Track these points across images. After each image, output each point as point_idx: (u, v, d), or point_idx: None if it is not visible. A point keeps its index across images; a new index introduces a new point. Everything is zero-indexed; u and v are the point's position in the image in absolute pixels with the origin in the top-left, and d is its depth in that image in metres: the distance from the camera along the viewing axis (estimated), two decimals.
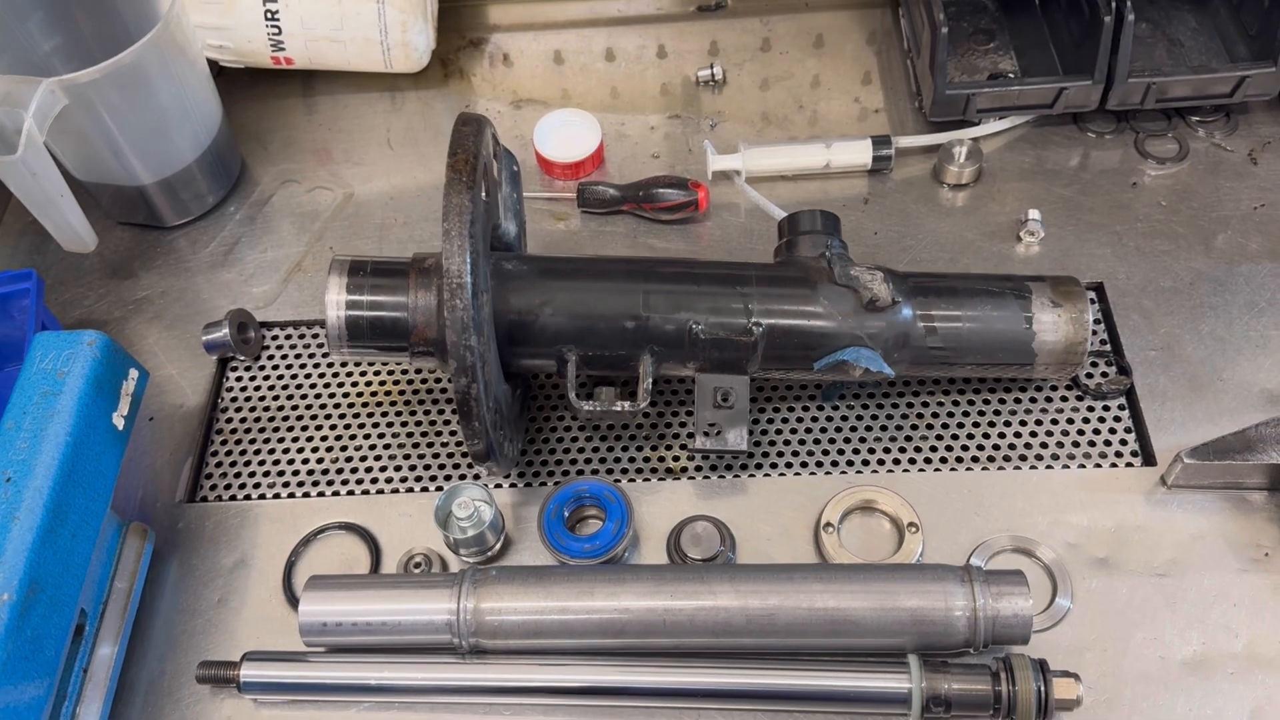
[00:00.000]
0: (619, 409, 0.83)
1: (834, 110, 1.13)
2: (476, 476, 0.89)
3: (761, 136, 1.11)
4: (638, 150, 1.11)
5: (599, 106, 1.14)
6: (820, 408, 0.91)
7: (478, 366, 0.72)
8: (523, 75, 1.19)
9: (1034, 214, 0.97)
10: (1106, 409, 0.89)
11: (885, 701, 0.73)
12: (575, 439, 0.91)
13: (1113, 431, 0.88)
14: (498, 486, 0.89)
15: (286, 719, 0.78)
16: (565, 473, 0.90)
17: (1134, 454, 0.87)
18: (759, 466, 0.88)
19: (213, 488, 0.91)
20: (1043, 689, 0.71)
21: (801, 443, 0.90)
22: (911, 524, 0.82)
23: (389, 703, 0.78)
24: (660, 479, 0.89)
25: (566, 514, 0.83)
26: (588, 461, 0.90)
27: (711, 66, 1.15)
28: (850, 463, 0.88)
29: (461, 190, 0.72)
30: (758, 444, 0.90)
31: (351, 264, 0.82)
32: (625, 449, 0.91)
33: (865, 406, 0.91)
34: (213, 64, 1.13)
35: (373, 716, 0.78)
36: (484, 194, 0.78)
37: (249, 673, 0.77)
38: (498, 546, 0.83)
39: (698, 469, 0.89)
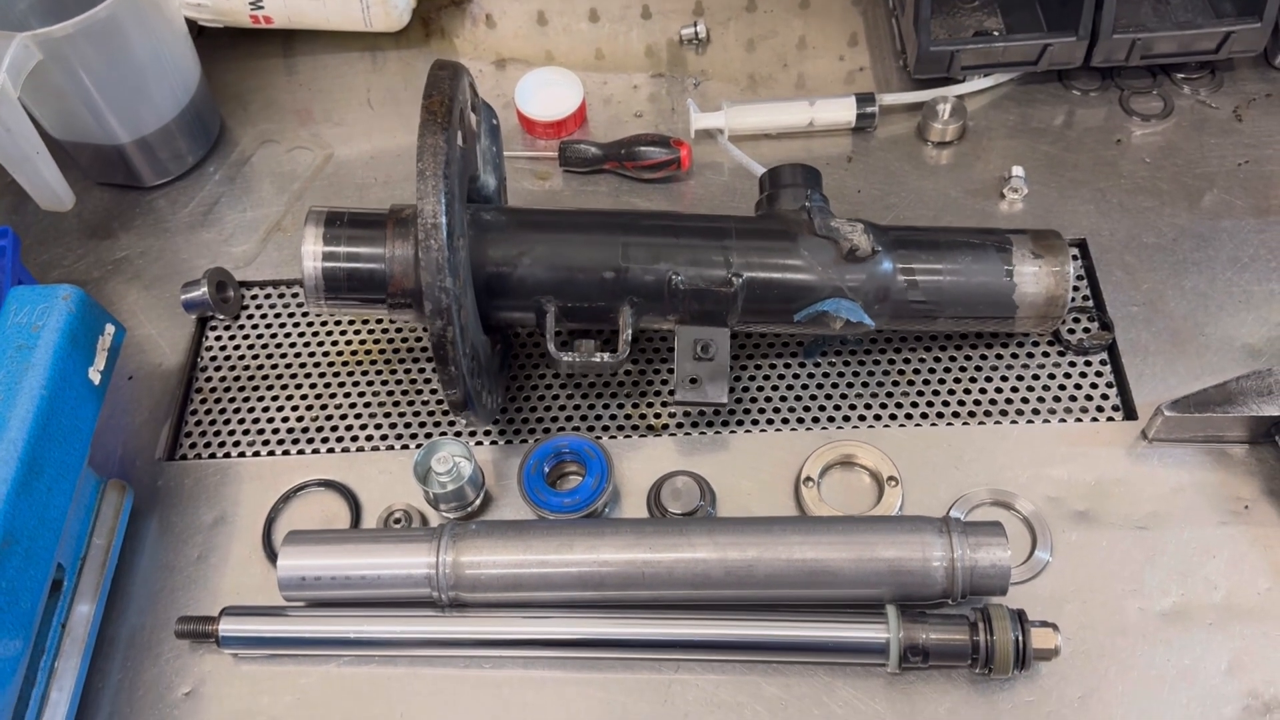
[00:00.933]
0: (598, 360, 0.83)
1: (819, 69, 1.12)
2: (458, 434, 0.89)
3: (746, 96, 1.10)
4: (621, 109, 1.10)
5: (583, 66, 1.13)
6: (801, 364, 0.91)
7: (453, 309, 0.71)
8: (505, 35, 1.18)
9: (1018, 171, 0.97)
10: (1088, 364, 0.89)
11: (864, 651, 0.73)
12: (556, 396, 0.91)
13: (1094, 386, 0.88)
14: (478, 443, 0.88)
15: (266, 673, 0.78)
16: (546, 429, 0.89)
17: (1115, 408, 0.86)
18: (740, 422, 0.88)
19: (192, 446, 0.91)
20: (1020, 639, 0.71)
21: (783, 399, 0.89)
22: (891, 478, 0.82)
23: (368, 656, 0.78)
24: (641, 435, 0.88)
25: (547, 469, 0.83)
26: (569, 418, 0.90)
27: (695, 25, 1.14)
28: (831, 418, 0.88)
29: (436, 131, 0.72)
30: (739, 400, 0.89)
31: (328, 215, 0.81)
32: (606, 406, 0.90)
33: (846, 363, 0.91)
34: (192, 24, 1.12)
35: (352, 670, 0.78)
36: (461, 141, 0.77)
37: (228, 627, 0.77)
38: (478, 502, 0.83)
39: (679, 425, 0.89)
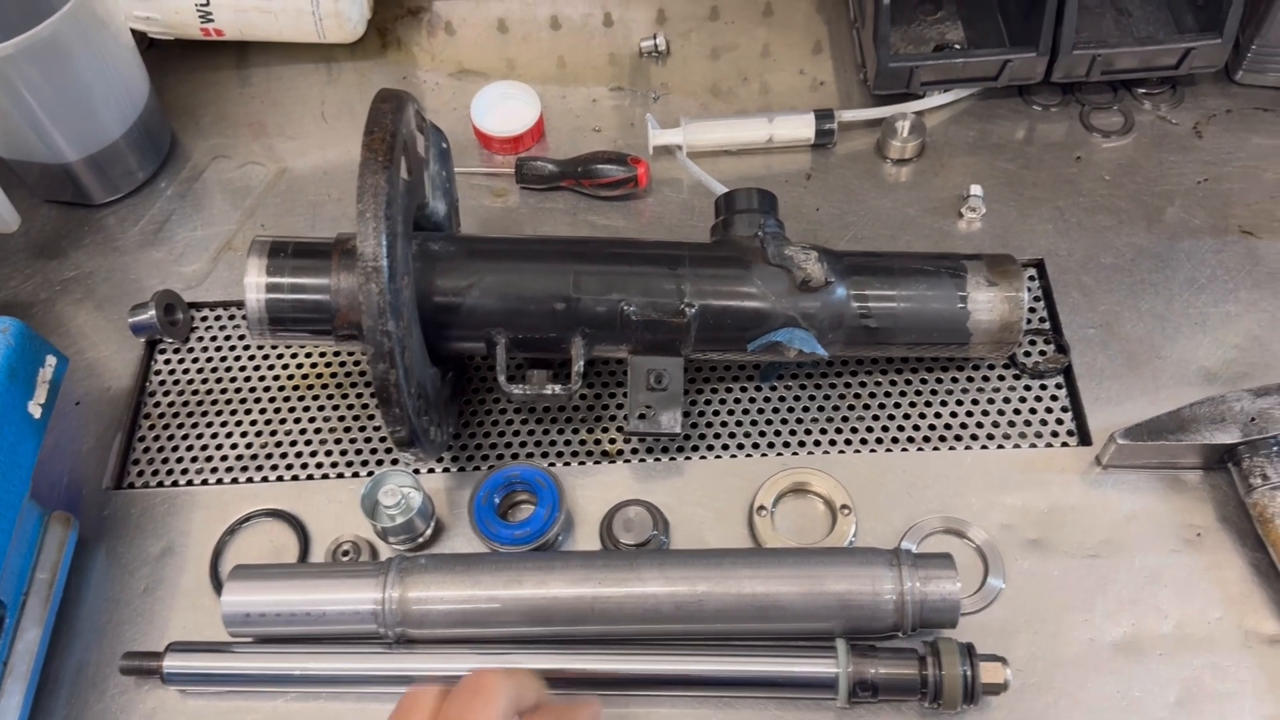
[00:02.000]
0: (549, 392, 0.82)
1: (782, 82, 1.11)
2: (406, 462, 0.88)
3: (708, 109, 1.09)
4: (581, 124, 1.08)
5: (544, 78, 1.12)
6: (759, 388, 0.90)
7: (396, 352, 0.70)
8: (464, 45, 1.16)
9: (975, 190, 0.96)
10: (1044, 388, 0.88)
11: (812, 686, 0.73)
12: (510, 422, 0.90)
13: (1049, 410, 0.87)
14: (430, 471, 0.87)
15: (213, 709, 0.77)
16: (500, 456, 0.88)
17: (1070, 433, 0.86)
18: (695, 449, 0.87)
19: (140, 474, 0.89)
20: (969, 673, 0.71)
21: (739, 424, 0.89)
22: (844, 506, 0.82)
23: (316, 693, 0.77)
24: (596, 462, 0.87)
25: (497, 500, 0.82)
26: (522, 445, 0.89)
27: (655, 37, 1.12)
28: (787, 444, 0.87)
29: (377, 170, 0.70)
30: (694, 426, 0.88)
31: (272, 245, 0.80)
32: (561, 431, 0.89)
33: (803, 387, 0.90)
34: (143, 36, 1.10)
35: (300, 706, 0.77)
36: (406, 173, 0.76)
37: (173, 664, 0.76)
38: (429, 532, 0.82)
39: (634, 451, 0.88)
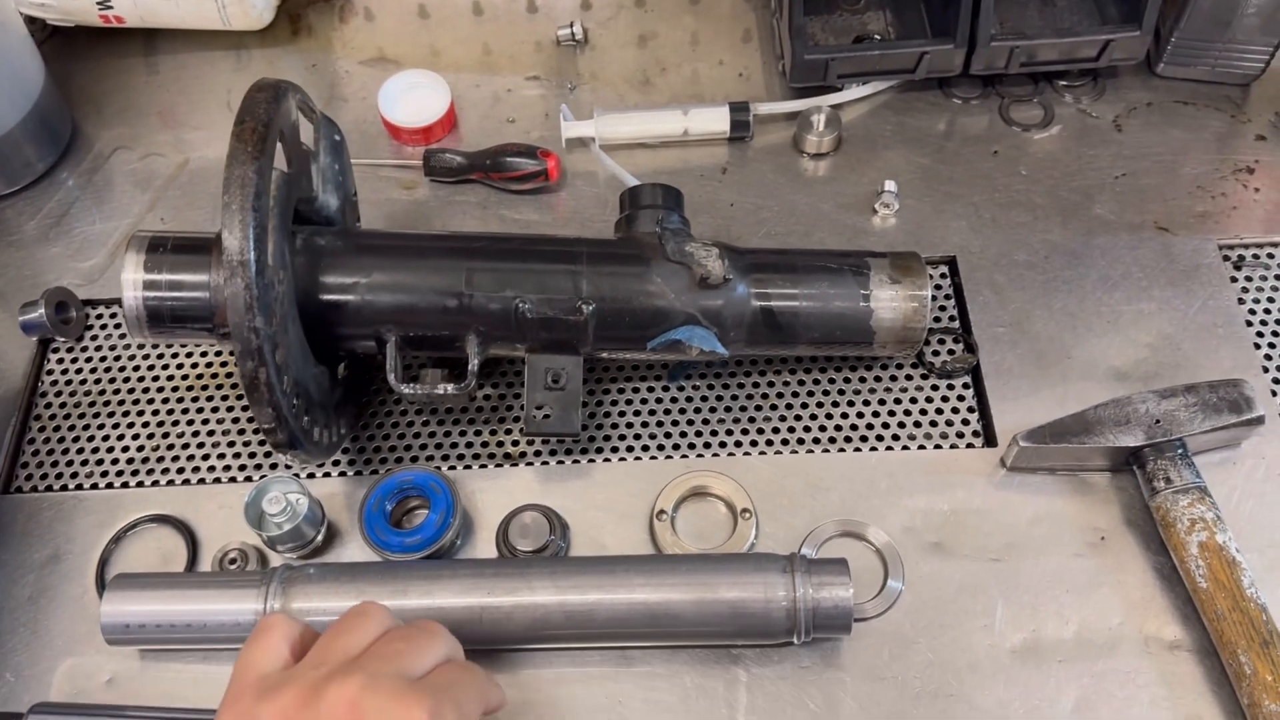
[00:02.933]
0: (442, 392, 0.79)
1: (706, 73, 1.08)
2: (288, 466, 0.85)
3: (628, 100, 1.06)
4: (497, 114, 1.06)
5: (466, 66, 1.09)
6: (665, 388, 0.88)
7: (266, 349, 0.68)
8: (382, 32, 1.13)
9: (890, 185, 0.94)
10: (951, 388, 0.87)
11: None
12: (411, 424, 0.88)
13: (955, 411, 0.86)
14: (326, 475, 0.85)
15: None
16: (399, 459, 0.86)
17: (976, 434, 0.85)
18: (599, 450, 0.85)
19: (29, 477, 0.86)
20: None
21: (644, 425, 0.87)
22: (745, 510, 0.80)
23: None
24: (498, 465, 0.85)
25: (390, 507, 0.80)
26: (423, 447, 0.87)
27: (571, 25, 1.09)
28: (692, 445, 0.85)
29: (246, 161, 0.68)
30: (599, 427, 0.87)
31: (151, 240, 0.77)
32: (463, 433, 0.87)
33: (710, 387, 0.88)
34: (43, 24, 1.07)
35: None
36: (286, 165, 0.73)
37: None
38: (319, 539, 0.80)
39: (536, 454, 0.86)
